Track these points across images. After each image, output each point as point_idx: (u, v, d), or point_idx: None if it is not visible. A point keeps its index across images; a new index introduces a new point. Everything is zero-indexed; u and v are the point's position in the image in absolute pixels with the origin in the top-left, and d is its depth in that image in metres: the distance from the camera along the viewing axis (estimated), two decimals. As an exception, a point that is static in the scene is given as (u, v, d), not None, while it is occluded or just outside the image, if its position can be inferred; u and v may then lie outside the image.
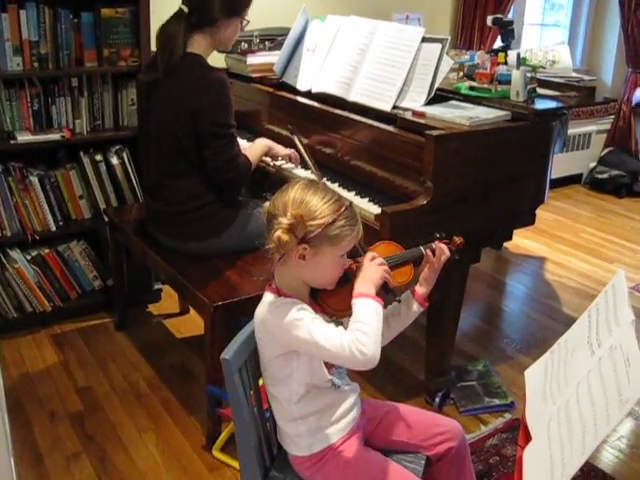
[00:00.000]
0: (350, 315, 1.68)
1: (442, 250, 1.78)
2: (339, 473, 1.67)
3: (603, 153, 6.09)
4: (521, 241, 4.61)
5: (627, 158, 6.04)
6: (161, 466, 2.45)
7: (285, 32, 3.28)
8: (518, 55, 2.66)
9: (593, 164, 6.06)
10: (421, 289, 1.79)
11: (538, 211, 2.83)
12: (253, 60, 3.31)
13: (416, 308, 1.79)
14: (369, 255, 1.67)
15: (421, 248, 1.80)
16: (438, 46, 2.64)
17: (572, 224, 5.14)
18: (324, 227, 1.51)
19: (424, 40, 2.70)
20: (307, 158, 2.67)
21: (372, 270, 1.63)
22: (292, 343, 1.57)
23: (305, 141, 2.83)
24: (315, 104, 2.98)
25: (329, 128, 2.87)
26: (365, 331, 1.51)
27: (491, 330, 3.60)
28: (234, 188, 2.67)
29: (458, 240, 1.86)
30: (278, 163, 2.90)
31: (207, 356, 2.41)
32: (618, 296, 1.52)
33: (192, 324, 3.37)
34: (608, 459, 2.57)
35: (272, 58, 3.31)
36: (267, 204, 1.62)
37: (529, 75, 2.62)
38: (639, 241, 4.85)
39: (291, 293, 1.61)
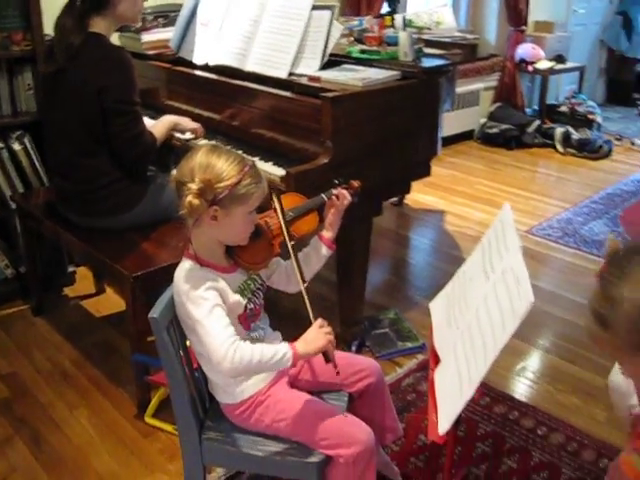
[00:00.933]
0: (265, 267, 1.81)
1: (343, 195, 1.93)
2: (270, 415, 1.80)
3: (492, 109, 6.41)
4: (420, 197, 4.84)
5: (514, 112, 6.38)
6: (96, 439, 2.51)
7: (177, 8, 3.34)
8: (404, 18, 2.83)
9: (483, 120, 6.36)
10: (327, 233, 1.93)
11: (435, 168, 3.01)
12: (148, 37, 3.35)
13: (325, 252, 1.92)
14: (319, 321, 1.72)
15: (322, 195, 1.94)
16: (328, 13, 2.76)
17: (467, 177, 5.41)
18: (231, 187, 1.61)
19: (314, 8, 2.81)
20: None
21: (318, 337, 1.69)
22: (186, 314, 1.68)
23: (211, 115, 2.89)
24: (213, 76, 3.06)
25: (229, 99, 2.96)
26: (254, 359, 1.60)
27: (399, 282, 3.80)
28: (141, 164, 2.72)
29: (356, 184, 2.01)
30: (185, 137, 2.96)
31: (130, 327, 2.48)
32: (506, 226, 1.70)
33: (109, 302, 3.41)
34: (517, 387, 2.81)
35: (167, 34, 3.35)
36: (174, 172, 1.71)
37: (415, 36, 2.79)
38: (530, 189, 5.17)
39: (208, 255, 1.72)
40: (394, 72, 2.74)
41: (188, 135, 2.94)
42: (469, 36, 3.69)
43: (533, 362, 2.98)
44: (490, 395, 2.71)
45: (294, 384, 1.93)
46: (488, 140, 6.28)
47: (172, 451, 2.43)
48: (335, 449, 1.75)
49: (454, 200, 4.92)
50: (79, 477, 2.33)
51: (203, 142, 2.92)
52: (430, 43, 3.09)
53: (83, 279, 3.59)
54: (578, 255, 4.02)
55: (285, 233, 1.78)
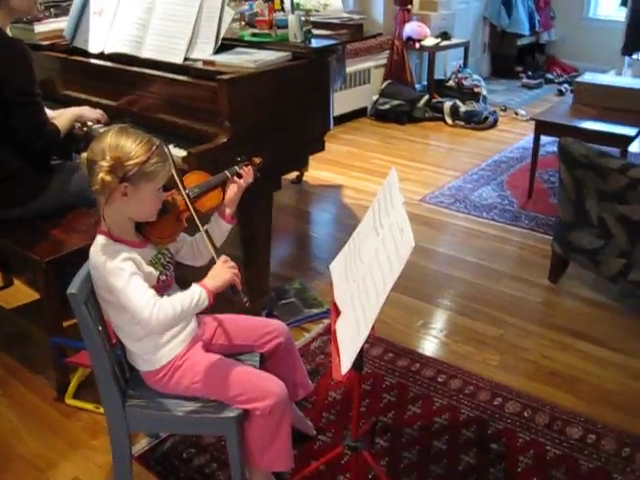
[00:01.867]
0: (173, 242, 1.93)
1: (247, 173, 2.07)
2: (188, 378, 1.93)
3: (383, 86, 6.62)
4: (319, 173, 5.01)
5: (404, 88, 6.62)
6: (18, 425, 2.55)
7: (70, -3, 3.35)
8: (292, 1, 2.96)
9: (375, 97, 6.57)
10: (227, 209, 2.07)
11: (331, 145, 3.18)
12: (41, 28, 3.35)
13: (225, 226, 2.07)
14: (223, 257, 1.86)
15: (226, 172, 2.07)
16: (219, -1, 2.87)
17: (362, 152, 5.62)
18: (140, 165, 1.72)
19: (205, -6, 2.91)
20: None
21: (222, 271, 1.83)
22: (107, 287, 1.78)
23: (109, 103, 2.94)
24: (110, 64, 3.11)
25: (127, 85, 3.02)
26: (175, 310, 1.74)
27: (302, 254, 3.98)
28: (44, 154, 2.75)
29: (257, 160, 2.16)
30: (89, 124, 2.99)
31: (46, 311, 2.54)
32: (392, 188, 1.88)
33: (19, 294, 3.41)
34: (418, 342, 3.03)
35: (60, 24, 3.37)
36: (84, 154, 1.80)
37: (303, 19, 2.93)
38: (422, 160, 5.44)
39: (119, 231, 1.82)
40: (285, 53, 2.88)
41: (93, 125, 2.98)
42: (355, 17, 3.85)
43: (432, 319, 3.21)
44: (393, 351, 2.92)
45: (208, 348, 2.06)
46: (381, 116, 6.50)
47: (95, 428, 2.52)
48: (251, 403, 1.90)
49: (351, 175, 5.11)
50: (5, 463, 2.38)
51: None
52: (318, 25, 3.24)
53: (-11, 273, 3.58)
54: (469, 219, 4.30)
55: (190, 207, 1.90)
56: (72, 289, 1.77)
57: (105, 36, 3.20)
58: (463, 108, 6.37)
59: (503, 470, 2.28)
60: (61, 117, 2.84)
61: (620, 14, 7.46)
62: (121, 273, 1.74)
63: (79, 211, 2.78)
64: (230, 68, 2.73)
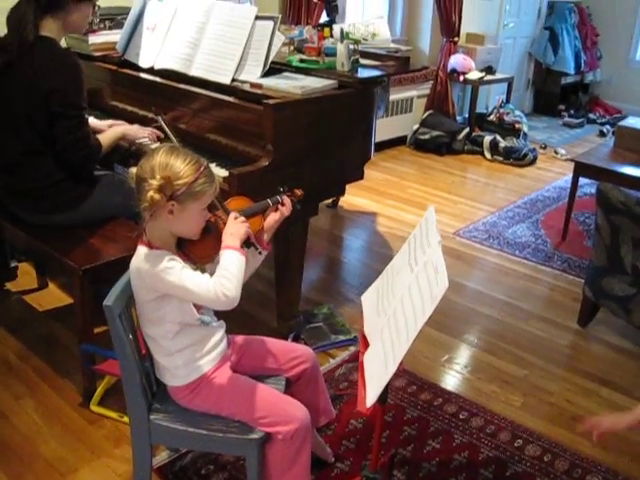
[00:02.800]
0: (212, 262, 1.97)
1: (287, 205, 2.10)
2: (214, 396, 1.96)
3: (424, 116, 6.67)
4: (354, 199, 5.05)
5: (445, 119, 6.66)
6: (43, 427, 2.60)
7: (124, 12, 3.44)
8: (342, 30, 3.00)
9: (416, 126, 6.62)
10: (264, 235, 2.10)
11: (369, 172, 3.20)
12: (95, 39, 3.45)
13: (261, 252, 2.09)
14: (232, 215, 1.93)
15: (268, 201, 2.11)
16: (270, 23, 2.93)
17: (399, 181, 5.65)
18: (188, 185, 1.77)
19: (257, 18, 2.97)
20: (173, 138, 2.79)
21: (237, 227, 1.90)
22: (164, 288, 1.82)
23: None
24: (158, 79, 3.18)
25: (174, 102, 3.09)
26: (228, 277, 1.80)
27: (333, 279, 4.00)
28: (83, 167, 2.81)
29: (299, 192, 2.18)
30: (139, 141, 3.05)
31: (78, 318, 2.59)
32: (429, 225, 1.90)
33: (52, 297, 3.49)
34: (442, 376, 3.03)
35: (113, 37, 3.46)
36: (133, 170, 1.85)
37: (352, 47, 2.97)
38: (458, 193, 5.45)
39: (161, 245, 1.86)
40: (331, 81, 2.92)
41: (142, 140, 3.04)
42: (403, 48, 3.92)
43: (457, 354, 3.21)
44: (417, 384, 2.92)
45: (236, 369, 2.08)
46: (420, 146, 6.55)
47: (117, 437, 2.56)
48: (274, 427, 1.92)
49: (386, 203, 5.15)
50: (28, 464, 2.43)
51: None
52: (365, 54, 3.28)
53: (25, 274, 3.65)
54: (502, 256, 4.29)
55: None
56: (108, 301, 1.81)
57: (156, 52, 3.28)
58: (503, 143, 6.38)
59: (520, 514, 2.27)
60: (108, 134, 2.89)
61: (668, 59, 7.44)
62: (172, 270, 1.79)
63: (119, 222, 2.84)
64: (276, 93, 2.78)
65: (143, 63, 3.32)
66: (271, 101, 2.63)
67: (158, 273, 1.79)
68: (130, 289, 1.90)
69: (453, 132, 6.50)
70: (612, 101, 8.43)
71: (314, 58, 3.10)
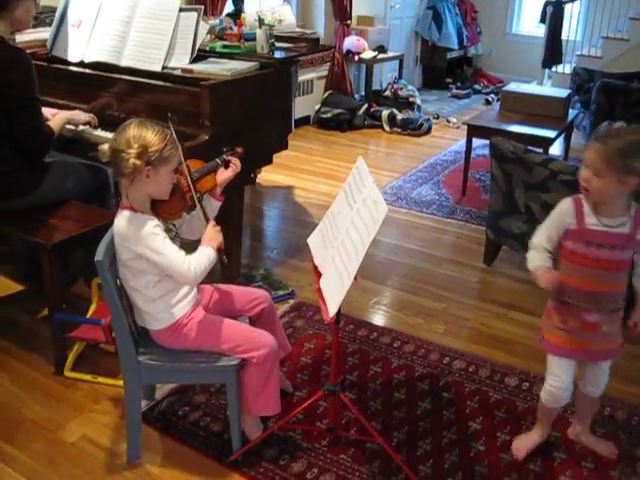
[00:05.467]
0: (180, 217, 2.30)
1: (235, 162, 2.45)
2: (194, 332, 2.29)
3: (325, 96, 7.07)
4: (270, 176, 5.39)
5: (345, 98, 7.08)
6: (23, 395, 2.81)
7: (47, 10, 3.66)
8: (259, 17, 3.34)
9: (317, 106, 7.01)
10: (218, 189, 2.46)
11: (279, 151, 3.55)
12: (22, 37, 3.63)
13: (215, 203, 2.46)
14: (212, 222, 2.29)
15: (217, 160, 2.46)
16: (194, 14, 3.24)
17: (309, 157, 6.03)
18: (160, 151, 2.09)
19: (181, 10, 3.27)
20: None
21: (215, 234, 2.27)
22: (143, 252, 2.13)
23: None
24: (92, 71, 3.43)
25: (109, 92, 3.35)
26: (200, 262, 2.18)
27: (261, 246, 4.37)
28: (40, 153, 3.03)
29: (239, 150, 2.54)
30: (79, 128, 3.29)
31: (49, 291, 2.83)
32: (361, 171, 2.29)
33: (1, 284, 3.66)
34: (374, 316, 3.45)
35: (39, 34, 3.66)
36: (104, 147, 2.14)
37: (269, 32, 3.32)
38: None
39: (140, 207, 2.17)
40: (254, 63, 3.27)
41: (82, 127, 3.29)
42: (307, 31, 4.27)
43: (384, 296, 3.64)
44: (353, 323, 3.32)
45: (206, 311, 2.41)
46: (323, 124, 6.93)
47: (95, 395, 2.82)
48: (249, 352, 2.28)
49: (300, 177, 5.53)
50: (15, 426, 2.65)
51: (97, 132, 3.28)
52: (279, 38, 3.63)
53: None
54: (411, 214, 4.76)
55: (192, 187, 2.27)
56: (98, 257, 2.11)
57: (84, 46, 3.51)
58: (400, 116, 6.86)
59: (455, 412, 2.71)
60: (55, 119, 3.13)
61: (539, 31, 8.12)
62: (156, 237, 2.11)
63: (72, 203, 3.09)
64: (207, 76, 3.10)
65: (72, 58, 3.55)
66: (207, 82, 2.95)
67: (144, 236, 2.11)
68: (113, 248, 2.19)
69: (353, 109, 6.93)
70: (494, 72, 9.11)
71: (236, 43, 3.43)
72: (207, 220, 2.30)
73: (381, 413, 2.70)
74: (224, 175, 2.46)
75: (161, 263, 2.14)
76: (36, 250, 2.81)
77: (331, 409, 2.49)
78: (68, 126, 3.24)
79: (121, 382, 2.79)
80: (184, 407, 2.72)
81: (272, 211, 4.93)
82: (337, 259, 2.12)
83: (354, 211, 2.16)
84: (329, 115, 6.90)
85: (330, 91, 7.10)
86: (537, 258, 2.23)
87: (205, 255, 2.20)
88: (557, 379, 2.30)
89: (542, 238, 2.24)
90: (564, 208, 2.21)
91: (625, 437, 2.59)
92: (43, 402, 2.79)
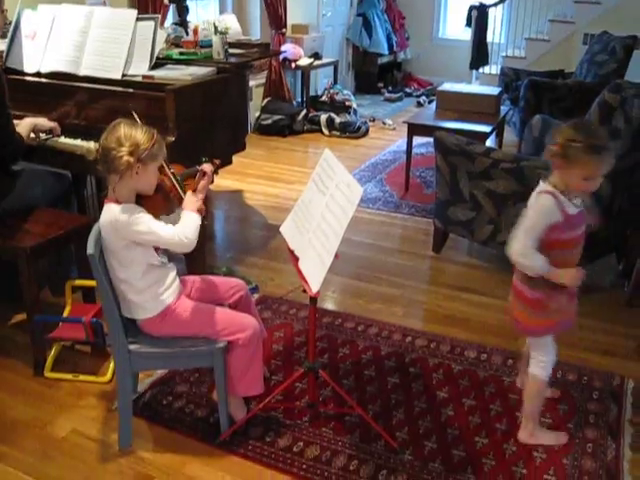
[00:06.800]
0: (166, 214, 2.44)
1: (211, 169, 2.59)
2: (181, 319, 2.43)
3: (263, 103, 7.24)
4: (220, 181, 5.47)
5: (283, 104, 7.27)
6: (6, 398, 2.86)
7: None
8: (215, 25, 3.50)
9: (257, 113, 7.17)
10: (200, 195, 2.58)
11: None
12: (-16, 49, 3.69)
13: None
14: (189, 192, 2.44)
15: (197, 167, 2.60)
16: (152, 23, 3.37)
17: (253, 162, 6.17)
18: (149, 149, 2.23)
19: (138, 19, 3.40)
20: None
21: (195, 200, 2.43)
22: (134, 235, 2.27)
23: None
24: (51, 80, 3.50)
25: (69, 100, 3.44)
26: (188, 227, 2.33)
27: (219, 247, 4.51)
28: (13, 159, 3.13)
29: (217, 161, 2.69)
30: (43, 137, 3.37)
31: (27, 294, 2.90)
32: (329, 161, 2.47)
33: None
34: (336, 304, 3.63)
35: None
36: (91, 145, 2.27)
37: (224, 39, 3.48)
38: (307, 165, 6.12)
39: (126, 201, 2.30)
40: (212, 68, 3.43)
41: (44, 135, 3.37)
42: (253, 38, 4.45)
43: (342, 286, 3.84)
44: (319, 312, 3.49)
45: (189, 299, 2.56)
46: (264, 130, 7.09)
47: (78, 393, 2.90)
48: (234, 334, 2.43)
49: (248, 181, 5.69)
50: (3, 426, 2.71)
51: (62, 140, 3.37)
52: (232, 44, 3.80)
53: None
54: (359, 210, 4.89)
55: (176, 183, 2.42)
56: (89, 250, 2.23)
57: (40, 57, 3.59)
58: (338, 120, 7.09)
59: (422, 384, 2.92)
60: (22, 126, 3.21)
61: (465, 34, 8.49)
62: (141, 220, 2.25)
63: (42, 209, 3.18)
64: (169, 81, 3.24)
65: (28, 68, 3.62)
66: (172, 87, 3.09)
67: (132, 221, 2.24)
68: (100, 242, 2.32)
69: (292, 115, 7.12)
70: (423, 75, 9.47)
71: (192, 50, 3.58)
72: (183, 190, 2.46)
73: (354, 389, 2.88)
74: (204, 182, 2.58)
75: (155, 241, 2.29)
76: (11, 256, 2.88)
77: (310, 386, 2.66)
78: (32, 135, 3.32)
79: (102, 379, 2.95)
80: (167, 397, 2.84)
81: (226, 214, 5.07)
82: (314, 241, 2.30)
83: (327, 196, 2.34)
84: (269, 122, 7.07)
85: (269, 98, 7.27)
86: (540, 260, 2.26)
87: (190, 220, 2.35)
88: (551, 351, 2.48)
89: (529, 242, 2.25)
90: (549, 207, 2.24)
91: (577, 394, 2.85)
92: (27, 402, 2.85)
